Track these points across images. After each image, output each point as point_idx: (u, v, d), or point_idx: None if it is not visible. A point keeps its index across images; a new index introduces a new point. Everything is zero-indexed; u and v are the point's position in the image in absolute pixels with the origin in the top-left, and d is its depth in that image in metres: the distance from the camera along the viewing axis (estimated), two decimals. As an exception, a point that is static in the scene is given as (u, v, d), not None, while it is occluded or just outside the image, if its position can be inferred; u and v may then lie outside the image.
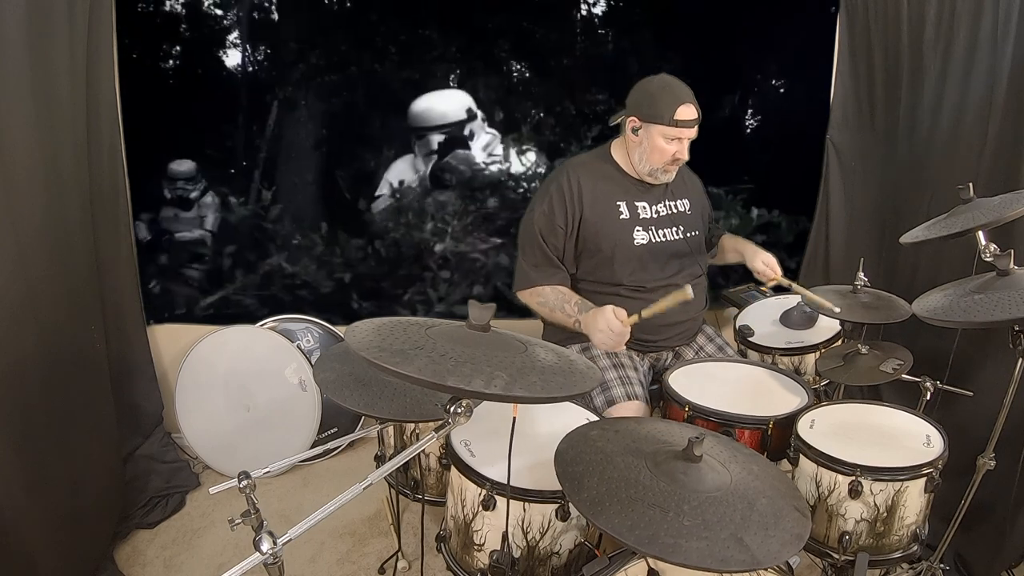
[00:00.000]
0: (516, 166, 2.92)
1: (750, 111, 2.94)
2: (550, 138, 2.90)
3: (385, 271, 2.98)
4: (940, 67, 2.30)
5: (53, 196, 2.04)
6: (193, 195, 2.87)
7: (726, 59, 2.86)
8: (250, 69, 2.75)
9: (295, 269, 2.96)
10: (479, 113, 2.88)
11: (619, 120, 2.01)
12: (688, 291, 1.63)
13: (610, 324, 1.75)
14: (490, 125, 2.91)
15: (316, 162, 2.90)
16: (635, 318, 1.76)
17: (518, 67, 2.85)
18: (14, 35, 1.82)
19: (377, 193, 2.93)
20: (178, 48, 2.71)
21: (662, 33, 2.81)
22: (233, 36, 2.72)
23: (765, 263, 2.05)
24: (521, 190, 2.94)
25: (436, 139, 2.89)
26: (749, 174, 2.92)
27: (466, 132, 2.89)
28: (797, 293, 2.03)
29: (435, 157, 2.90)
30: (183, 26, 2.69)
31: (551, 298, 1.97)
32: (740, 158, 2.93)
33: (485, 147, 2.92)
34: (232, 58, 2.74)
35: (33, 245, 1.92)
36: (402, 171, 2.94)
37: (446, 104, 2.87)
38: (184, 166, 2.84)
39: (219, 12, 2.70)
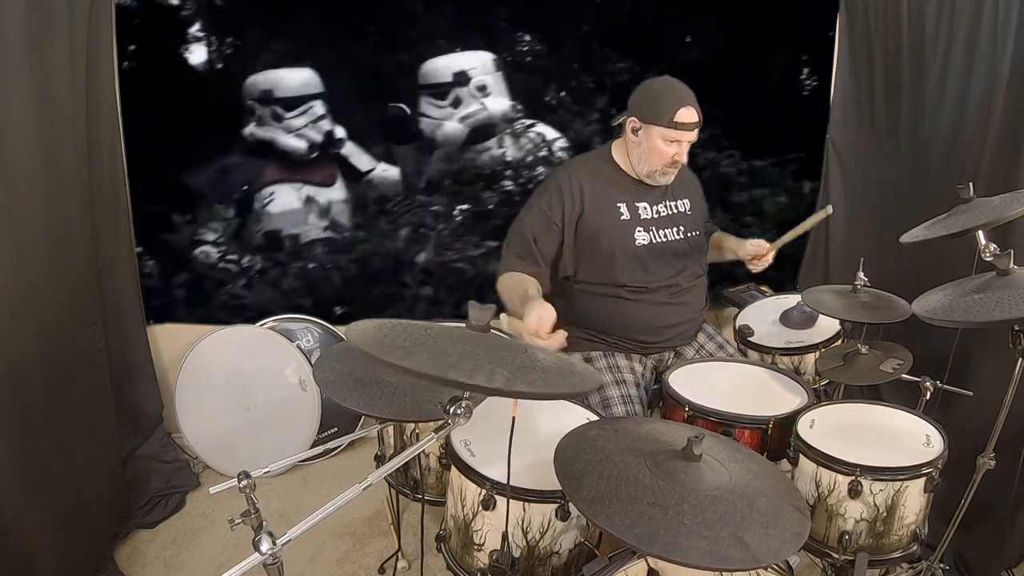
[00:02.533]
0: (513, 152, 2.56)
1: (806, 70, 2.54)
2: (566, 116, 2.54)
3: (359, 290, 2.63)
4: (940, 66, 2.29)
5: (53, 196, 2.04)
6: (310, 130, 2.42)
7: (773, 13, 2.42)
8: (219, 66, 2.47)
9: (246, 295, 2.62)
10: (472, 78, 2.49)
11: (620, 121, 2.01)
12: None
13: (541, 317, 1.61)
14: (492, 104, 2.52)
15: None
16: (562, 336, 1.59)
17: (524, 38, 2.49)
18: (14, 35, 1.82)
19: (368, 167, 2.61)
20: (133, 47, 2.42)
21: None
22: (195, 29, 2.46)
23: (754, 244, 2.10)
24: (523, 180, 2.57)
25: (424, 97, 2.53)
26: (801, 142, 2.56)
27: (450, 97, 2.51)
28: (790, 237, 2.06)
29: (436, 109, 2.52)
30: (136, 21, 2.42)
31: (516, 279, 1.90)
32: (790, 125, 2.57)
33: (465, 119, 2.53)
34: (196, 53, 2.48)
35: (33, 245, 1.93)
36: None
37: (446, 63, 2.51)
38: (296, 76, 2.37)
39: (175, 2, 2.43)
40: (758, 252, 2.10)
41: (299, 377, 2.70)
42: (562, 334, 1.59)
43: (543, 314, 1.60)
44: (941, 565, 1.69)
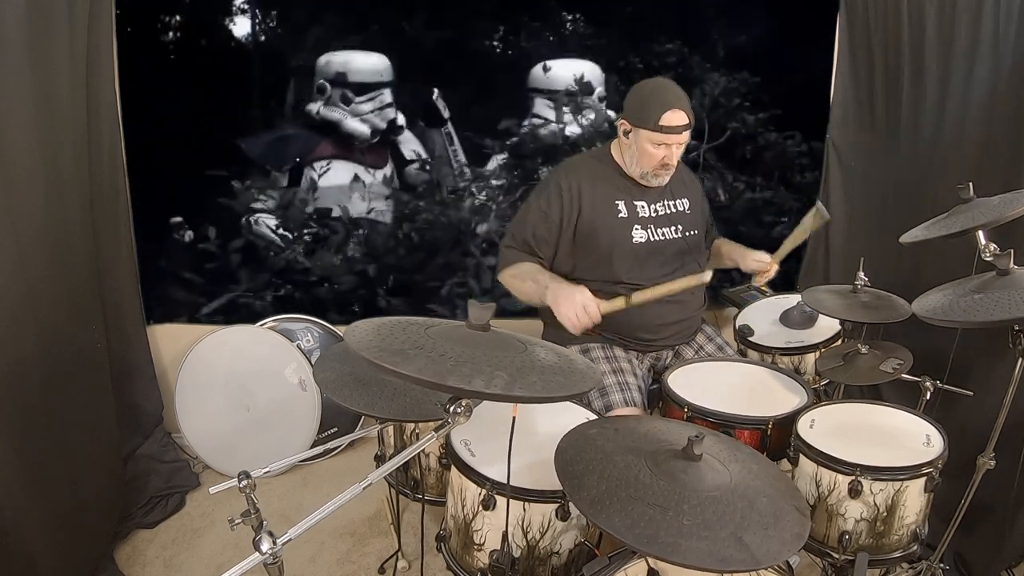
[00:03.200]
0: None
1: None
2: (613, 97, 2.55)
3: (420, 260, 2.63)
4: (941, 67, 2.29)
5: (53, 196, 2.04)
6: (377, 117, 2.43)
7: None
8: (263, 39, 2.47)
9: (310, 263, 2.64)
10: (598, 88, 2.53)
11: (617, 121, 2.02)
12: (706, 276, 1.73)
13: (585, 303, 1.78)
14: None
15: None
16: (622, 301, 1.78)
17: (570, 18, 2.48)
18: (14, 35, 1.82)
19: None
20: (178, 18, 2.45)
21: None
22: (240, 0, 2.46)
23: (757, 259, 2.07)
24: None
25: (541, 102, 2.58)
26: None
27: (571, 103, 2.54)
28: (790, 247, 2.01)
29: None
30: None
31: (525, 268, 1.98)
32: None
33: (584, 125, 2.60)
34: (241, 25, 2.47)
35: (33, 245, 1.93)
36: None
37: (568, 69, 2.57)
38: (370, 60, 2.38)
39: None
40: (760, 268, 2.07)
41: (299, 377, 2.70)
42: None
43: (581, 298, 1.78)
44: (941, 565, 1.69)
